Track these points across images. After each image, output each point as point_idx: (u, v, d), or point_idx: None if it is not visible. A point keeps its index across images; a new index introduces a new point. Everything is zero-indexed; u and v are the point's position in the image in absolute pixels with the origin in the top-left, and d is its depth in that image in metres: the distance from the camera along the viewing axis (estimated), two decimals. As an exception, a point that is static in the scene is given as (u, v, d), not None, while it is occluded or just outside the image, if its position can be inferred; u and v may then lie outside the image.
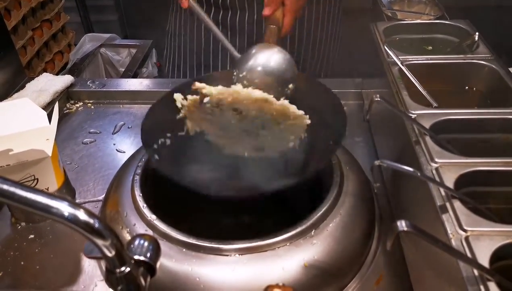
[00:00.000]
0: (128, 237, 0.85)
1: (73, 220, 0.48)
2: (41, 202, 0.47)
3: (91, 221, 0.48)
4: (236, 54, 1.05)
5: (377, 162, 0.72)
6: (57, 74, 1.62)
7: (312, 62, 1.54)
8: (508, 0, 2.32)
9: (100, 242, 0.49)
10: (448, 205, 0.71)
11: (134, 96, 1.45)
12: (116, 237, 0.51)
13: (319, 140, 0.92)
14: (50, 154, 0.94)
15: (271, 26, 1.16)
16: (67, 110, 1.42)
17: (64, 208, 0.47)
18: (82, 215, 0.48)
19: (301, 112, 0.88)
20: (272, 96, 0.87)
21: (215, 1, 1.38)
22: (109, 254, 0.50)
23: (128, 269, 0.52)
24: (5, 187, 0.46)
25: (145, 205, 0.88)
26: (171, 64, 1.61)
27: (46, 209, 0.47)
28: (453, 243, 0.66)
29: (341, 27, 1.60)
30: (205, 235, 0.82)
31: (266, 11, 1.17)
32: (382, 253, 0.91)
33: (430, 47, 1.23)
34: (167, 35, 1.59)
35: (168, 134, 0.96)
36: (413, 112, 0.92)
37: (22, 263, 0.93)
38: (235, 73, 0.99)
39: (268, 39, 1.12)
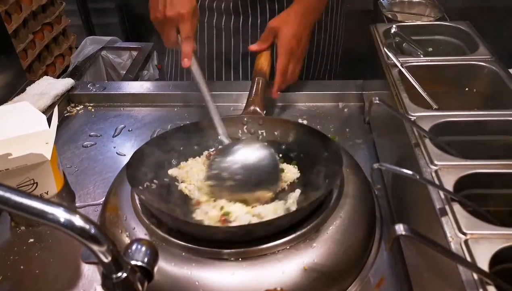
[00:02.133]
0: (127, 240, 0.85)
1: (69, 226, 0.47)
2: (36, 208, 0.47)
3: (87, 226, 0.48)
4: (225, 139, 1.04)
5: (376, 165, 0.71)
6: (58, 77, 1.62)
7: (316, 66, 1.54)
8: (508, 1, 2.32)
9: (96, 247, 0.49)
10: (447, 207, 0.71)
11: (135, 99, 1.45)
12: (113, 242, 0.50)
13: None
14: (49, 157, 0.94)
15: (257, 78, 1.18)
16: (68, 114, 1.42)
17: (60, 213, 0.47)
18: (78, 221, 0.48)
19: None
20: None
21: (217, 7, 1.38)
22: (105, 260, 0.50)
23: (124, 274, 0.52)
24: (1, 192, 0.46)
25: (144, 209, 0.88)
26: (174, 68, 1.61)
27: (42, 214, 0.47)
28: (453, 246, 0.65)
29: (343, 32, 1.60)
30: (205, 239, 0.81)
31: (252, 47, 1.19)
32: (383, 256, 0.90)
33: (430, 49, 1.22)
34: None
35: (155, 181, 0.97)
36: (412, 114, 0.92)
37: (21, 267, 0.93)
38: (215, 160, 0.98)
39: (255, 91, 1.17)
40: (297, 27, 1.20)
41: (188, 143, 1.04)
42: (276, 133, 1.06)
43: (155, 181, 0.96)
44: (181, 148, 1.03)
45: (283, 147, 1.05)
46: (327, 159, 0.95)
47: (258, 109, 1.15)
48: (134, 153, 0.95)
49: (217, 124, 1.05)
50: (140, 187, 0.91)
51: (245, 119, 1.09)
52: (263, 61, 1.22)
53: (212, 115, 1.06)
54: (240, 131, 1.08)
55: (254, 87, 1.19)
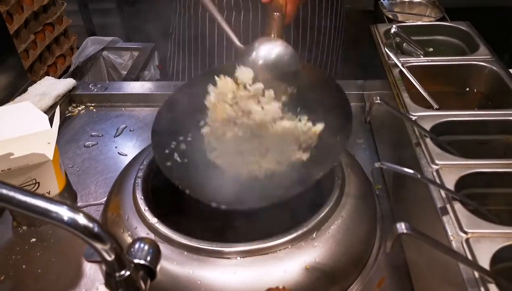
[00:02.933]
0: (129, 240, 0.86)
1: (73, 224, 0.48)
2: (40, 206, 0.47)
3: (91, 225, 0.48)
4: (240, 44, 1.02)
5: (377, 164, 0.72)
6: (59, 77, 1.62)
7: (316, 64, 1.54)
8: (508, 1, 2.32)
9: (99, 246, 0.49)
10: (448, 206, 0.71)
11: (136, 99, 1.45)
12: (116, 241, 0.51)
13: (325, 141, 0.92)
14: (51, 157, 0.94)
15: (275, 13, 1.14)
16: (69, 114, 1.42)
17: (64, 212, 0.47)
18: (81, 219, 0.48)
19: (309, 125, 0.90)
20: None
21: (219, 2, 1.38)
22: (108, 258, 0.50)
23: (127, 273, 0.52)
24: (4, 191, 0.46)
25: (146, 208, 0.89)
26: (175, 67, 1.61)
27: (46, 213, 0.47)
28: (454, 245, 0.66)
29: (344, 33, 1.60)
30: (207, 238, 0.82)
31: None
32: (384, 255, 0.91)
33: (431, 49, 1.23)
34: (170, 38, 1.59)
35: (181, 138, 0.96)
36: (413, 114, 0.92)
37: (23, 266, 0.93)
38: (237, 66, 0.97)
39: (272, 28, 1.10)
40: None
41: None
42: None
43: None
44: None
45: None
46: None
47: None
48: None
49: (230, 35, 1.04)
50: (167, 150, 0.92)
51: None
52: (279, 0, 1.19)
53: (224, 28, 1.04)
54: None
55: (272, 23, 1.12)
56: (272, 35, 1.10)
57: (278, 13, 1.14)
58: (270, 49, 0.98)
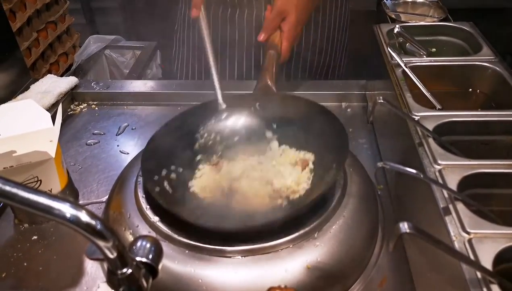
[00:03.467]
0: (131, 238, 0.86)
1: (75, 221, 0.48)
2: (43, 203, 0.47)
3: (93, 222, 0.48)
4: (221, 102, 1.06)
5: (380, 164, 0.72)
6: (61, 75, 1.62)
7: (318, 67, 1.54)
8: (511, 2, 2.32)
9: (102, 243, 0.49)
10: (451, 207, 0.71)
11: (138, 97, 1.45)
12: (118, 238, 0.51)
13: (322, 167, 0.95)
14: (53, 155, 0.94)
15: (270, 51, 1.17)
16: (71, 112, 1.42)
17: (66, 209, 0.47)
18: (84, 216, 0.48)
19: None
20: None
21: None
22: (110, 256, 0.50)
23: (130, 270, 0.52)
24: (7, 188, 0.46)
25: (148, 207, 0.89)
26: (180, 65, 1.61)
27: (48, 210, 0.47)
28: (456, 245, 0.66)
29: (348, 34, 1.60)
30: (208, 237, 0.82)
31: (261, 37, 1.18)
32: (386, 255, 0.90)
33: (433, 49, 1.22)
34: (175, 35, 1.59)
35: (172, 167, 0.98)
36: (416, 114, 0.92)
37: (25, 264, 0.93)
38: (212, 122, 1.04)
39: (268, 66, 1.16)
40: (305, 12, 1.19)
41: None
42: (287, 109, 1.05)
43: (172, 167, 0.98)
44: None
45: (294, 124, 1.04)
46: (334, 141, 0.95)
47: (270, 83, 1.13)
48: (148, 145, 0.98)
49: (216, 86, 1.06)
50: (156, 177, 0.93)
51: (257, 96, 1.10)
52: (275, 35, 1.21)
53: (212, 76, 1.07)
54: (252, 108, 1.08)
55: (267, 61, 1.17)
56: (264, 72, 1.16)
57: (273, 51, 1.16)
58: (237, 120, 1.05)
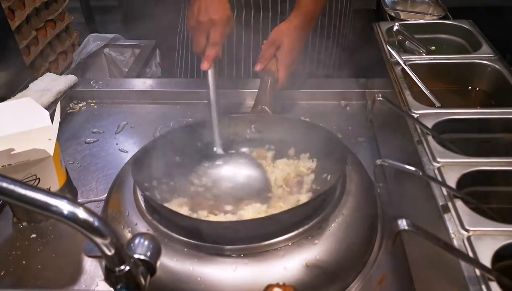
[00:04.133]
0: (129, 236, 0.85)
1: (73, 218, 0.47)
2: (40, 200, 0.47)
3: (91, 219, 0.48)
4: (219, 149, 1.05)
5: (379, 161, 0.72)
6: (60, 74, 1.61)
7: (319, 66, 1.54)
8: (510, 0, 2.31)
9: (99, 240, 0.49)
10: (450, 204, 0.71)
11: (137, 96, 1.45)
12: (116, 235, 0.50)
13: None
14: (51, 153, 0.94)
15: (265, 77, 1.19)
16: (71, 110, 1.42)
17: (64, 206, 0.47)
18: (81, 213, 0.48)
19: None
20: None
21: (237, 1, 1.38)
22: (108, 253, 0.50)
23: (127, 267, 0.52)
24: (5, 184, 0.46)
25: (147, 205, 0.89)
26: (183, 64, 1.61)
27: (46, 207, 0.47)
28: (455, 242, 0.65)
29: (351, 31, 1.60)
30: (207, 235, 0.81)
31: (257, 67, 1.21)
32: (385, 252, 0.90)
33: (433, 47, 1.22)
34: (178, 36, 1.59)
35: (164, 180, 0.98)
36: (415, 112, 0.92)
37: (23, 262, 0.93)
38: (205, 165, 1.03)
39: (263, 91, 1.19)
40: (297, 40, 1.22)
41: (191, 141, 1.05)
42: (284, 132, 1.06)
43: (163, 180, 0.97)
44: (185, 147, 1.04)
45: (292, 146, 1.05)
46: (334, 161, 0.95)
47: (266, 108, 1.16)
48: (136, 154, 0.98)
49: (215, 135, 1.06)
50: (146, 184, 0.92)
51: (254, 118, 1.10)
52: (272, 63, 1.23)
53: (213, 125, 1.06)
54: (248, 130, 1.09)
55: (263, 86, 1.20)
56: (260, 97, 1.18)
57: (269, 77, 1.17)
58: (241, 170, 1.02)
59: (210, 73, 1.11)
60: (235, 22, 1.18)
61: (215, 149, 1.05)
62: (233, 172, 1.01)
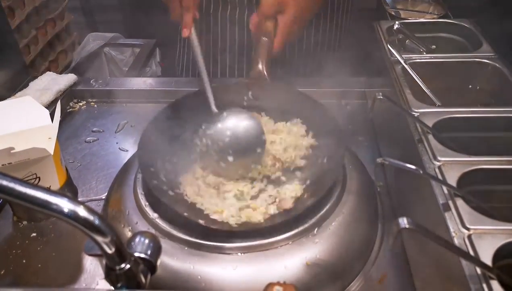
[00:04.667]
0: (130, 235, 0.85)
1: (73, 216, 0.47)
2: (40, 198, 0.47)
3: (91, 217, 0.48)
4: (214, 109, 1.04)
5: (379, 160, 0.72)
6: (60, 73, 1.61)
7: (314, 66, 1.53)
8: (511, -1, 2.31)
9: (100, 238, 0.49)
10: (451, 203, 0.71)
11: (137, 95, 1.44)
12: (116, 233, 0.50)
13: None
14: (52, 152, 0.94)
15: (263, 38, 1.15)
16: (71, 109, 1.42)
17: (64, 204, 0.47)
18: (82, 212, 0.48)
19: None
20: None
21: None
22: (109, 251, 0.50)
23: (128, 266, 0.52)
24: (5, 182, 0.46)
25: (147, 203, 0.89)
26: (184, 63, 1.60)
27: (46, 205, 0.47)
28: (456, 241, 0.65)
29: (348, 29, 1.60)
30: (207, 233, 0.81)
31: (252, 25, 1.17)
32: (385, 251, 0.90)
33: (433, 46, 1.22)
34: (179, 36, 1.59)
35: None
36: (416, 110, 0.92)
37: (24, 261, 0.93)
38: (203, 128, 1.00)
39: (260, 52, 1.13)
40: (305, 10, 1.15)
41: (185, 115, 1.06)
42: (280, 99, 1.06)
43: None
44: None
45: (286, 113, 1.05)
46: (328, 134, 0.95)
47: (262, 69, 1.12)
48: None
49: (208, 95, 1.05)
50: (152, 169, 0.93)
51: (250, 85, 1.09)
52: (270, 24, 1.16)
53: (204, 86, 1.05)
54: (245, 97, 1.08)
55: (259, 49, 1.14)
56: (256, 60, 1.14)
57: (266, 38, 1.14)
58: (237, 122, 0.99)
59: (193, 38, 1.10)
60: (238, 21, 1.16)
61: (212, 107, 1.04)
62: (231, 126, 0.99)
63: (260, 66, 1.12)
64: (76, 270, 0.90)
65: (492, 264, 0.61)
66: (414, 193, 0.88)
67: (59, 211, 0.47)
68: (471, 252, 0.63)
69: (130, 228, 0.86)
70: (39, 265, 0.92)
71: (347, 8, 1.50)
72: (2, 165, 0.91)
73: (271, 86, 1.10)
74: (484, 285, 0.59)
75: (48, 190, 0.47)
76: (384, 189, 1.04)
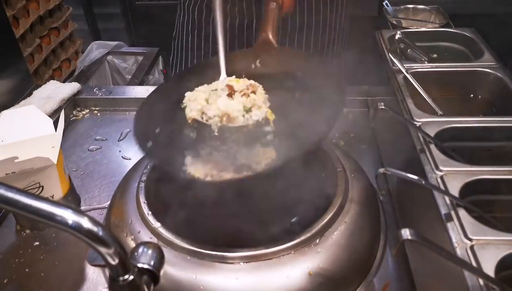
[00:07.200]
0: (132, 244, 0.85)
1: (77, 228, 0.48)
2: (45, 210, 0.47)
3: (95, 229, 0.48)
4: (224, 74, 1.00)
5: (381, 170, 0.72)
6: (64, 81, 1.63)
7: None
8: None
9: (103, 250, 0.49)
10: (453, 213, 0.71)
11: (140, 103, 1.44)
12: (120, 245, 0.51)
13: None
14: (55, 161, 0.94)
15: (271, 4, 1.12)
16: (74, 117, 1.43)
17: (68, 215, 0.47)
18: (86, 223, 0.48)
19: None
20: None
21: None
22: (112, 262, 0.50)
23: (131, 277, 0.52)
24: (10, 194, 0.46)
25: (150, 212, 0.88)
26: (178, 69, 1.61)
27: (50, 216, 0.47)
28: (458, 251, 0.65)
29: (348, 33, 1.60)
30: (210, 243, 0.82)
31: None
32: (388, 261, 0.90)
33: (435, 55, 1.23)
34: (173, 40, 1.59)
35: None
36: (418, 120, 0.92)
37: (26, 270, 0.93)
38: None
39: (268, 19, 1.10)
40: None
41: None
42: (289, 64, 1.03)
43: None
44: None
45: (295, 79, 1.01)
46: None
47: (271, 36, 1.09)
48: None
49: (221, 58, 1.02)
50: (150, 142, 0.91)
51: (258, 52, 1.07)
52: None
53: (219, 48, 1.02)
54: (253, 65, 1.07)
55: (267, 14, 1.12)
56: (264, 26, 1.10)
57: (274, 3, 1.13)
58: None
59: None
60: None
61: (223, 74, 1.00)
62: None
63: (268, 32, 1.10)
64: (79, 279, 0.91)
65: (494, 275, 0.61)
66: (416, 202, 0.88)
67: (63, 223, 0.47)
68: (474, 263, 0.63)
69: (133, 237, 0.86)
70: (42, 274, 0.93)
71: (345, 13, 1.50)
72: (6, 174, 0.91)
73: (279, 52, 1.08)
74: (487, 296, 0.59)
75: (52, 201, 0.48)
76: (387, 197, 1.04)
